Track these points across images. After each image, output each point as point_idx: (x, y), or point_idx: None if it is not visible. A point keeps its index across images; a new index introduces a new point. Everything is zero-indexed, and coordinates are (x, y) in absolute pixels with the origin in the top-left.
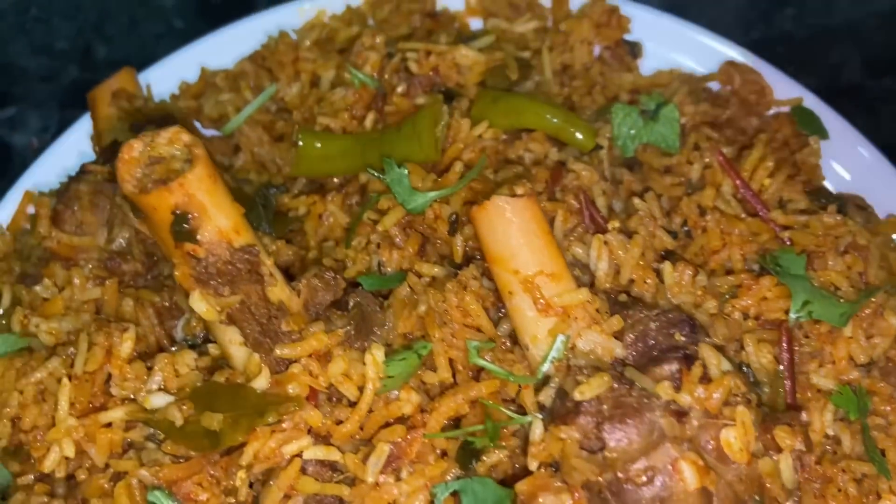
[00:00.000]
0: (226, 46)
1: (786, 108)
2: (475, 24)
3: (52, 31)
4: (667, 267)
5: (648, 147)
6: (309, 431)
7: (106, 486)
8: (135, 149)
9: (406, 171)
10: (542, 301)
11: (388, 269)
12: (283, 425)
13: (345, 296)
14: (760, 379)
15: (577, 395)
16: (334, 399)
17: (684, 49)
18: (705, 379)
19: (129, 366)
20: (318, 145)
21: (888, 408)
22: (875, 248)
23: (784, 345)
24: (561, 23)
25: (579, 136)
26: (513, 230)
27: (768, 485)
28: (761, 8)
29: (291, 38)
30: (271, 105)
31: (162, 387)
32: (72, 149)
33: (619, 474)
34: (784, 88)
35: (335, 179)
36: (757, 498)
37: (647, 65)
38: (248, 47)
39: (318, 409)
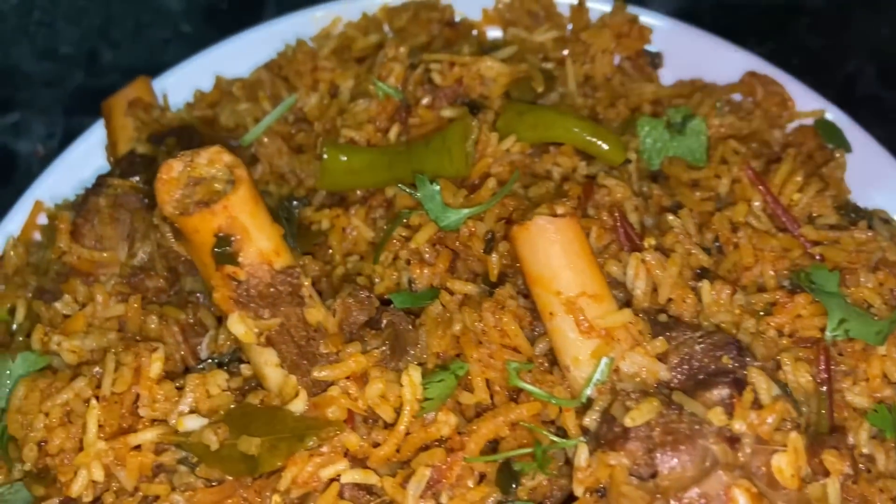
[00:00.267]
0: (239, 54)
1: (806, 120)
2: (492, 32)
3: (56, 35)
4: (705, 286)
5: (674, 160)
6: (345, 454)
7: None
8: (174, 169)
9: (438, 188)
10: (584, 322)
11: (418, 286)
12: (322, 449)
13: (377, 314)
14: (798, 398)
15: (627, 422)
16: (370, 421)
17: (704, 59)
18: (756, 404)
19: (158, 386)
20: (344, 158)
21: None
22: None
23: (822, 364)
24: (580, 32)
25: (609, 149)
26: (555, 251)
27: None
28: (776, 18)
29: (308, 46)
30: (289, 115)
31: (193, 408)
32: (82, 158)
33: (672, 502)
34: (805, 100)
35: (358, 192)
36: None
37: (666, 75)
38: (262, 55)
39: (355, 432)
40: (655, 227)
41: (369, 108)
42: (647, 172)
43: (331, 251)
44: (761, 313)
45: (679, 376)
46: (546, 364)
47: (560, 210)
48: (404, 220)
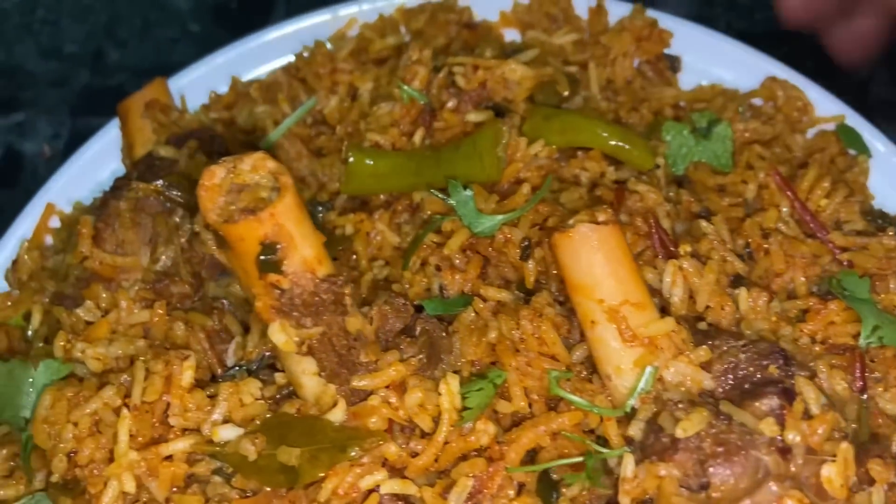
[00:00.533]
0: (253, 55)
1: (827, 125)
2: (509, 35)
3: (60, 34)
4: (742, 293)
5: (699, 165)
6: (383, 464)
7: None
8: (216, 175)
9: (471, 193)
10: (628, 331)
11: (449, 293)
12: (362, 459)
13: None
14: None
15: (678, 433)
16: (406, 430)
17: (722, 63)
18: (805, 414)
19: (189, 395)
20: (370, 162)
21: None
22: None
23: (858, 371)
24: (599, 35)
25: (638, 154)
26: (598, 259)
27: None
28: None
29: (327, 48)
30: (307, 117)
31: (227, 417)
32: (94, 160)
33: None
34: (823, 104)
35: (381, 196)
36: None
37: (683, 79)
38: (276, 56)
39: (394, 442)
40: (687, 234)
41: (393, 112)
42: (671, 177)
43: (355, 256)
44: (794, 320)
45: (724, 385)
46: (584, 372)
47: (601, 217)
48: (437, 227)
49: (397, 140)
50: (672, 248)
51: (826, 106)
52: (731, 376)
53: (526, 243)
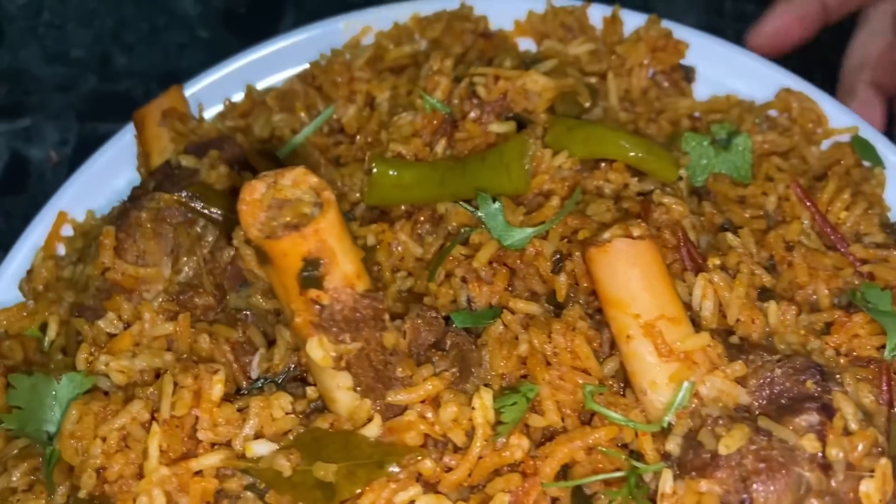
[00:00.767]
0: (265, 63)
1: (841, 137)
2: (523, 44)
3: (66, 38)
4: (772, 306)
5: (718, 176)
6: (416, 479)
7: None
8: (257, 190)
9: (500, 206)
10: (664, 346)
11: (477, 305)
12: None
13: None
14: None
15: (722, 449)
16: (439, 445)
17: (736, 74)
18: (844, 430)
19: (219, 409)
20: (393, 173)
21: None
22: None
23: (885, 385)
24: (614, 46)
25: (662, 166)
26: (635, 273)
27: None
28: None
29: (344, 56)
30: (323, 126)
31: (258, 432)
32: (106, 168)
33: None
34: (836, 116)
35: (402, 207)
36: None
37: (698, 90)
38: (289, 64)
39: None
40: (712, 246)
41: (414, 122)
42: (690, 189)
43: (377, 268)
44: (820, 333)
45: (760, 401)
46: (615, 386)
47: (636, 232)
48: (465, 240)
49: (420, 150)
50: (700, 261)
51: (839, 118)
52: (766, 391)
53: (557, 256)
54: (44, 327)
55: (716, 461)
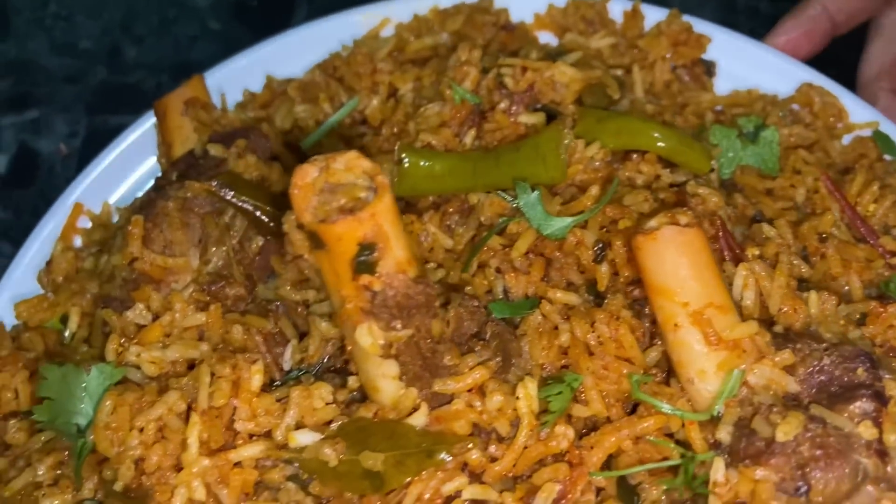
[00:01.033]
0: (283, 54)
1: (862, 131)
2: (543, 37)
3: (74, 29)
4: (812, 296)
5: (746, 169)
6: (462, 469)
7: None
8: (309, 174)
9: (539, 195)
10: (712, 334)
11: (514, 295)
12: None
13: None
14: None
15: (780, 436)
16: (483, 434)
17: (756, 68)
18: None
19: (258, 399)
20: (424, 163)
21: None
22: None
23: None
24: (635, 39)
25: (696, 158)
26: (683, 262)
27: None
28: None
29: (366, 47)
30: (346, 117)
31: (299, 422)
32: (121, 159)
33: None
34: (856, 111)
35: (429, 198)
36: None
37: (718, 84)
38: (307, 55)
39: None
40: (747, 238)
41: (442, 113)
42: (720, 181)
43: None
44: (856, 323)
45: (809, 389)
46: (659, 376)
47: (684, 220)
48: (503, 229)
49: (450, 141)
50: (739, 252)
51: (858, 112)
52: (816, 379)
53: (599, 245)
54: (65, 319)
55: (771, 448)
